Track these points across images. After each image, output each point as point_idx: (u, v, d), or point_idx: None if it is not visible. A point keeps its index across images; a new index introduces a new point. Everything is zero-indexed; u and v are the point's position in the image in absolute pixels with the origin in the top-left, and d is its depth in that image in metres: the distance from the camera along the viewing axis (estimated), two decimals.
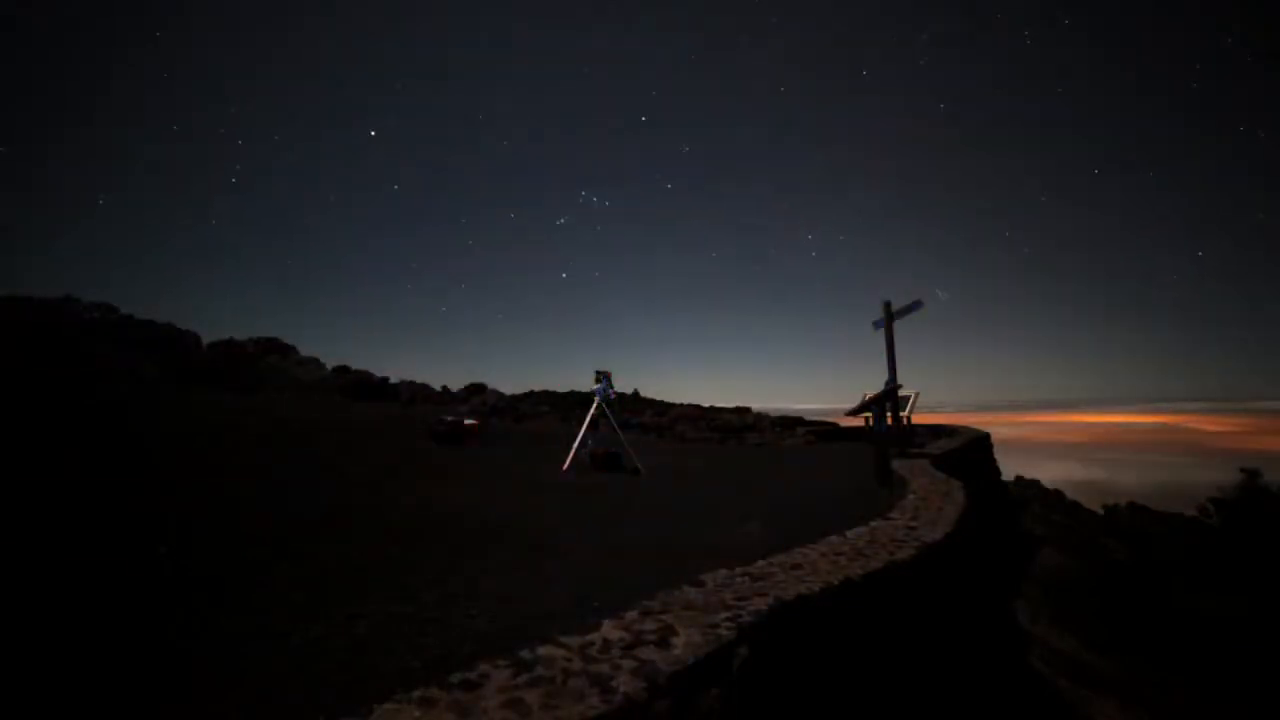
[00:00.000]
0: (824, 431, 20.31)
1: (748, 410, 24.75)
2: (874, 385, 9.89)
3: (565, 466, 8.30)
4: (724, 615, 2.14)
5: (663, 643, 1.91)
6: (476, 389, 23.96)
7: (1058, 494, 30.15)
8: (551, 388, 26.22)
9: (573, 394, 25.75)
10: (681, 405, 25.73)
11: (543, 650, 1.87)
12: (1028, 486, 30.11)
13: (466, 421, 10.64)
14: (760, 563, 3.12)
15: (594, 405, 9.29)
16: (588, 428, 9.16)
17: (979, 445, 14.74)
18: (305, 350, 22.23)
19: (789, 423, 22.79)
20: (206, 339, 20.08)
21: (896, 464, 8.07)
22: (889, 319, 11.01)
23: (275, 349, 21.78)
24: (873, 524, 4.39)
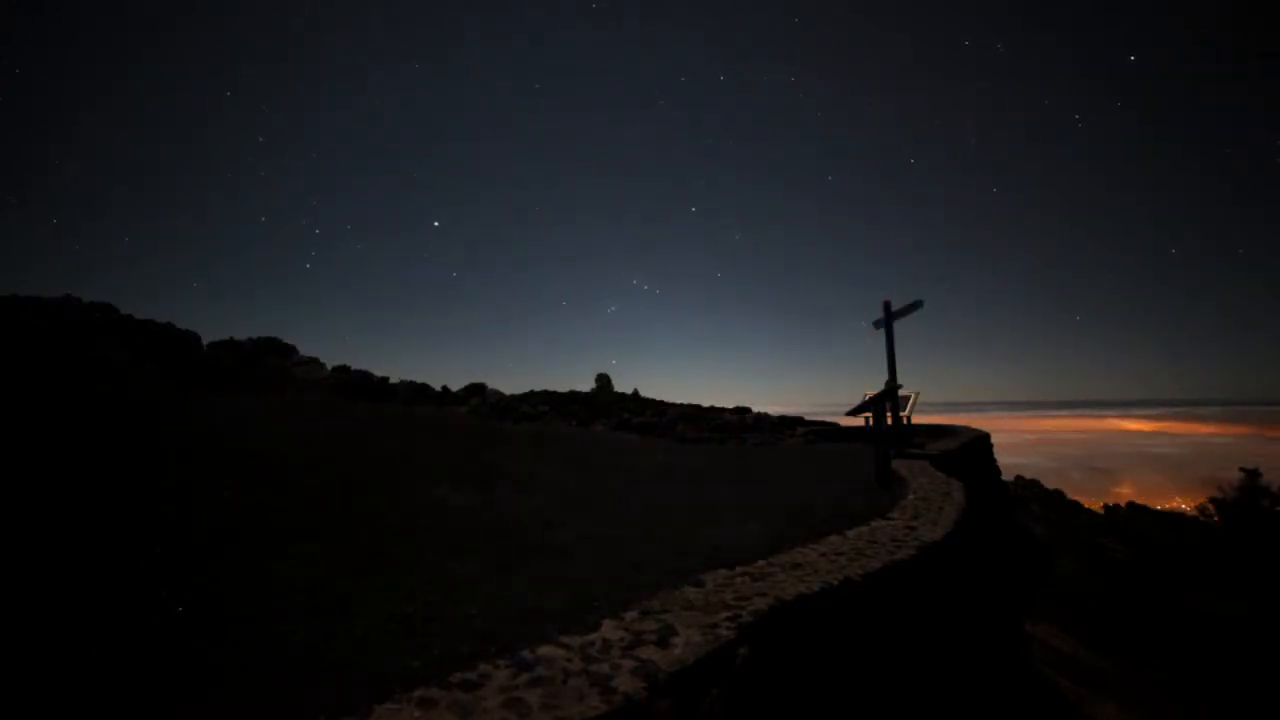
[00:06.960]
0: (824, 431, 20.27)
1: (748, 410, 24.70)
2: (874, 385, 9.89)
3: None
4: (724, 615, 2.15)
5: (663, 643, 1.92)
6: (476, 389, 23.94)
7: (1058, 494, 30.15)
8: (552, 387, 26.15)
9: (573, 394, 25.72)
10: (681, 405, 25.67)
11: (543, 650, 1.87)
12: (1028, 486, 30.11)
13: None
14: (760, 563, 3.13)
15: None
16: None
17: (979, 445, 14.72)
18: (305, 351, 22.22)
19: (789, 423, 22.74)
20: (206, 339, 20.07)
21: (896, 464, 8.07)
22: (889, 318, 11.01)
23: (275, 349, 21.77)
24: (873, 524, 4.39)
